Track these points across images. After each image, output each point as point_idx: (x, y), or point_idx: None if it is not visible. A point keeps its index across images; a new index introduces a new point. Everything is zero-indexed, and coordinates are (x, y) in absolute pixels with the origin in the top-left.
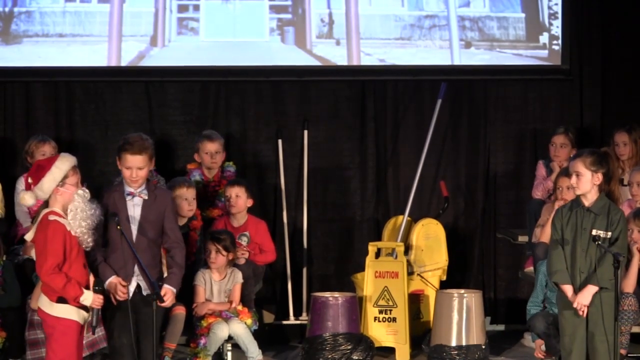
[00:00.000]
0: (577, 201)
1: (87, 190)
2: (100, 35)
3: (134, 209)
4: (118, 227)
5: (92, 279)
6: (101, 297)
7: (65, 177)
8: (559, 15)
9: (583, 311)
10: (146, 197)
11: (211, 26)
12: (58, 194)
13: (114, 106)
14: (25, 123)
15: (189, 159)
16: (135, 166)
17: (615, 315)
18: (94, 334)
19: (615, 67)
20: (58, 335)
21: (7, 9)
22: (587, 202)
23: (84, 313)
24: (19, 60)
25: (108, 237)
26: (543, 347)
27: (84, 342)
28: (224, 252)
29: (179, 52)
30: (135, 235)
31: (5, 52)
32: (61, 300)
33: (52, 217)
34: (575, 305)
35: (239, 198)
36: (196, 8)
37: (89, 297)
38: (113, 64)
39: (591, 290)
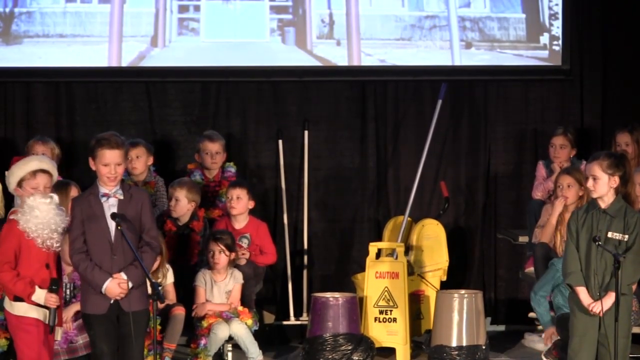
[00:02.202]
0: (593, 203)
1: (43, 197)
2: (101, 36)
3: (110, 209)
4: (119, 227)
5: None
6: (55, 296)
7: (22, 180)
8: (560, 15)
9: (599, 313)
10: (121, 197)
11: (212, 26)
12: (18, 194)
13: (114, 106)
14: (25, 123)
15: (190, 160)
16: (114, 162)
17: (616, 316)
18: (52, 332)
19: (616, 68)
20: (21, 334)
21: (7, 10)
22: (604, 204)
23: (45, 311)
24: (20, 60)
25: (86, 241)
26: (553, 338)
27: (61, 346)
28: (227, 252)
29: (180, 52)
30: (113, 236)
31: (6, 53)
32: (17, 298)
33: (12, 216)
34: (591, 308)
35: (240, 200)
36: (197, 8)
37: (40, 296)
38: (113, 64)
39: (612, 297)
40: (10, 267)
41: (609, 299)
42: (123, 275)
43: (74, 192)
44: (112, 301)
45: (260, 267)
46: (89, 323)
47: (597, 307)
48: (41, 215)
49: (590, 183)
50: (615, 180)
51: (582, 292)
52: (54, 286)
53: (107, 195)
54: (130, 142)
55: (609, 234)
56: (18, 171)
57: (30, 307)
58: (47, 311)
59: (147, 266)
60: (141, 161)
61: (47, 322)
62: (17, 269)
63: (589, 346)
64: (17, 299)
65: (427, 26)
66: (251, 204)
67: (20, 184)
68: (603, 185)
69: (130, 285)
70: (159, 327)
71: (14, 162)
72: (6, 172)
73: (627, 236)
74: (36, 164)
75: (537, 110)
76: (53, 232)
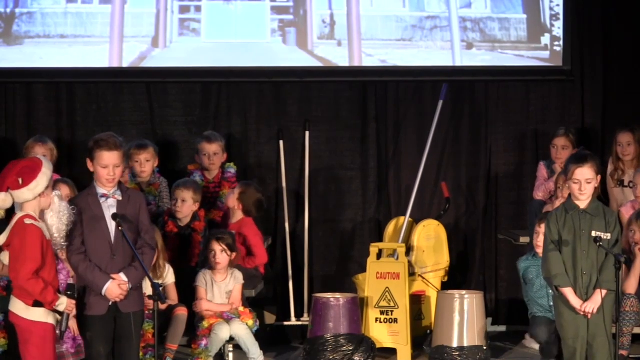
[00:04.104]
0: (570, 204)
1: (60, 194)
2: (102, 36)
3: (109, 210)
4: (120, 228)
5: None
6: (74, 302)
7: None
8: (561, 16)
9: (589, 314)
10: (120, 198)
11: (212, 27)
12: (43, 197)
13: (115, 107)
14: (26, 124)
15: (191, 160)
16: (112, 164)
17: (616, 316)
18: (62, 338)
19: (617, 68)
20: (36, 340)
21: (8, 10)
22: (583, 204)
23: (57, 316)
24: (21, 61)
25: (84, 241)
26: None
27: (68, 350)
28: (229, 252)
29: (181, 53)
30: (113, 237)
31: (7, 53)
32: (37, 304)
33: (28, 221)
34: (583, 308)
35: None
36: (198, 9)
37: (64, 302)
38: (114, 64)
39: (601, 294)
40: (37, 274)
41: (598, 297)
42: (123, 277)
43: (64, 190)
44: (110, 302)
45: (251, 269)
46: (87, 324)
47: (589, 308)
48: (65, 214)
49: (584, 187)
50: (599, 180)
51: (570, 294)
52: (69, 291)
53: (106, 196)
54: (138, 144)
55: (593, 233)
56: (44, 178)
57: (47, 312)
58: (58, 316)
59: (147, 267)
60: (150, 165)
61: (61, 328)
62: (41, 275)
63: (582, 345)
64: (36, 304)
65: (428, 27)
66: (195, 207)
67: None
68: (593, 187)
69: (130, 286)
70: (152, 331)
71: (28, 166)
72: (19, 179)
73: (609, 234)
74: (51, 166)
75: (538, 111)
76: (66, 230)
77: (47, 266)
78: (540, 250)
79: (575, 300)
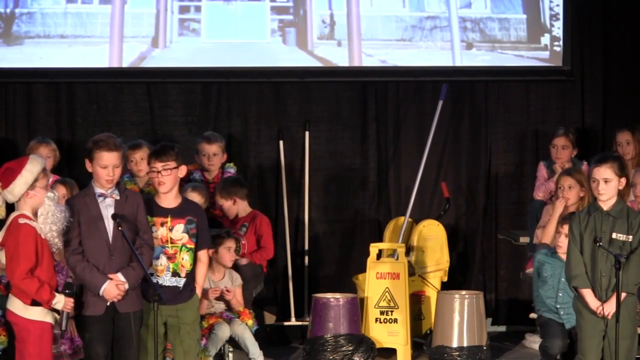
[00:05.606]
0: (594, 205)
1: (56, 193)
2: (102, 36)
3: (107, 209)
4: (120, 228)
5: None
6: (72, 300)
7: (36, 180)
8: (561, 16)
9: (608, 315)
10: (118, 198)
11: (212, 27)
12: (28, 197)
13: (115, 107)
14: (26, 124)
15: (191, 160)
16: (112, 164)
17: (617, 316)
18: (62, 337)
19: (617, 68)
20: (34, 339)
21: (8, 10)
22: (606, 206)
23: (55, 315)
24: (21, 61)
25: (81, 241)
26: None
27: (65, 351)
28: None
29: (181, 53)
30: (111, 237)
31: (7, 53)
32: (35, 303)
33: (22, 221)
34: (601, 311)
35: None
36: (197, 9)
37: (61, 300)
38: (114, 65)
39: (621, 297)
40: (32, 273)
41: (615, 300)
42: (121, 277)
43: (64, 190)
44: (108, 303)
45: (259, 267)
46: (85, 325)
47: (606, 309)
48: (56, 215)
49: (601, 186)
50: (622, 182)
51: (589, 295)
52: (67, 290)
53: (104, 196)
54: (132, 144)
55: (613, 235)
56: (35, 169)
57: (45, 311)
58: (56, 315)
59: (146, 267)
60: (145, 163)
61: (61, 327)
62: (36, 274)
63: (598, 347)
64: (35, 302)
65: (428, 27)
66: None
67: (32, 185)
68: (614, 188)
69: (127, 286)
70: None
71: (9, 168)
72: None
73: (631, 237)
74: (44, 162)
75: (538, 111)
76: (62, 228)
77: (44, 265)
78: (560, 251)
79: (593, 302)
